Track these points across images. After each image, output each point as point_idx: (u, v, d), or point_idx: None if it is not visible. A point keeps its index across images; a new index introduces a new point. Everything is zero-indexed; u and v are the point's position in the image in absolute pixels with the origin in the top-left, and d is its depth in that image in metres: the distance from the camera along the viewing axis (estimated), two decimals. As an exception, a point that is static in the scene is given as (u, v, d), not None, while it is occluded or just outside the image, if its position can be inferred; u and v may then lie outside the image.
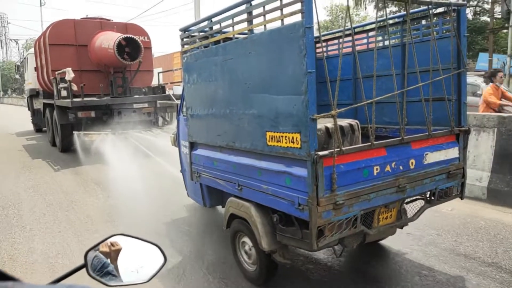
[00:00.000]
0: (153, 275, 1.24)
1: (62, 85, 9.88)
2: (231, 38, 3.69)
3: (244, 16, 3.21)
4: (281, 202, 3.01)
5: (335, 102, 2.72)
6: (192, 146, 4.38)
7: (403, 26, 4.38)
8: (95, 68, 11.09)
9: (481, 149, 5.92)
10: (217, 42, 3.76)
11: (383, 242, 4.31)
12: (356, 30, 4.55)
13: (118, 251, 1.26)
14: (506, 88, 8.62)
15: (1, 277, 0.47)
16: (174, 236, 4.88)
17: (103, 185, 7.52)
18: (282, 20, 2.80)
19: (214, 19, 3.67)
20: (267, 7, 2.92)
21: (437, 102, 3.58)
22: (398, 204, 3.40)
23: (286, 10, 2.77)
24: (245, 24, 3.25)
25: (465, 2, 3.69)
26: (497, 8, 21.60)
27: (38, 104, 14.41)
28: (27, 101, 16.55)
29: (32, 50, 14.58)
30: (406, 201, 3.51)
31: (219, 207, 5.27)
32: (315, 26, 2.60)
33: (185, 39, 4.30)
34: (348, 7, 2.91)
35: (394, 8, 23.33)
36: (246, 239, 3.70)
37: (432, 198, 3.57)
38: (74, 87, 9.44)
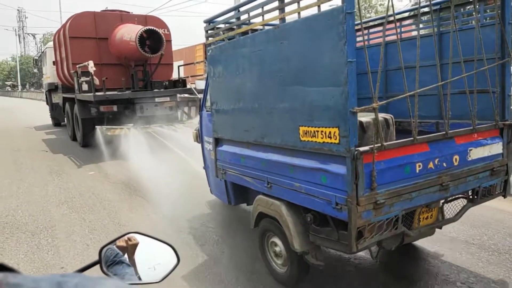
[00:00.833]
0: (166, 275, 1.22)
1: (83, 78, 9.79)
2: (256, 30, 3.52)
3: (276, 3, 3.02)
4: (315, 201, 2.84)
5: (376, 95, 2.53)
6: (217, 142, 4.23)
7: (440, 14, 4.14)
8: (115, 62, 10.98)
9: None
10: (244, 33, 3.59)
11: (417, 242, 4.09)
12: (390, 19, 4.31)
13: (135, 246, 1.25)
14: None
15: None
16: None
17: (147, 197, 6.25)
18: (319, 6, 2.61)
19: (241, 9, 3.50)
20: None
21: (479, 94, 3.34)
22: (439, 203, 3.19)
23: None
24: (276, 13, 3.07)
25: (511, -14, 3.43)
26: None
27: (57, 98, 14.41)
28: (45, 95, 16.57)
29: (50, 43, 14.55)
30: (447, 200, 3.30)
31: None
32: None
33: (209, 31, 4.14)
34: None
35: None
36: (275, 239, 3.54)
37: (475, 196, 3.35)
38: (96, 81, 9.34)
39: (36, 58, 20.53)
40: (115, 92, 10.00)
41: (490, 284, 3.40)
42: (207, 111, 4.74)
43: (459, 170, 3.08)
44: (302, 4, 2.77)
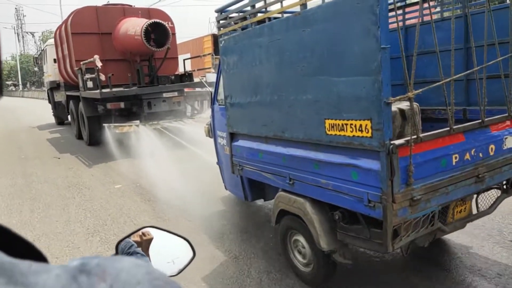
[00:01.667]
0: (182, 269, 1.22)
1: (88, 75, 9.55)
2: (270, 19, 3.32)
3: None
4: (344, 198, 2.67)
5: (411, 82, 2.34)
6: (233, 137, 4.06)
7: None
8: (120, 57, 10.68)
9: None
10: (259, 22, 3.40)
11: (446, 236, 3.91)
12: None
13: (149, 241, 1.27)
14: None
15: (32, 253, 0.41)
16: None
17: (194, 222, 4.97)
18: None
19: (256, -4, 3.31)
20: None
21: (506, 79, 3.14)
22: (473, 196, 3.01)
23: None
24: (295, -1, 2.87)
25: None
26: None
27: (60, 96, 14.15)
28: (47, 94, 16.31)
29: (50, 41, 14.26)
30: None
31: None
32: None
33: (221, 21, 3.95)
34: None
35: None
36: (299, 237, 3.37)
37: (510, 187, 3.17)
38: (102, 77, 9.10)
39: (36, 56, 20.31)
40: (122, 89, 9.73)
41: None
42: (219, 104, 4.56)
43: (494, 160, 2.90)
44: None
